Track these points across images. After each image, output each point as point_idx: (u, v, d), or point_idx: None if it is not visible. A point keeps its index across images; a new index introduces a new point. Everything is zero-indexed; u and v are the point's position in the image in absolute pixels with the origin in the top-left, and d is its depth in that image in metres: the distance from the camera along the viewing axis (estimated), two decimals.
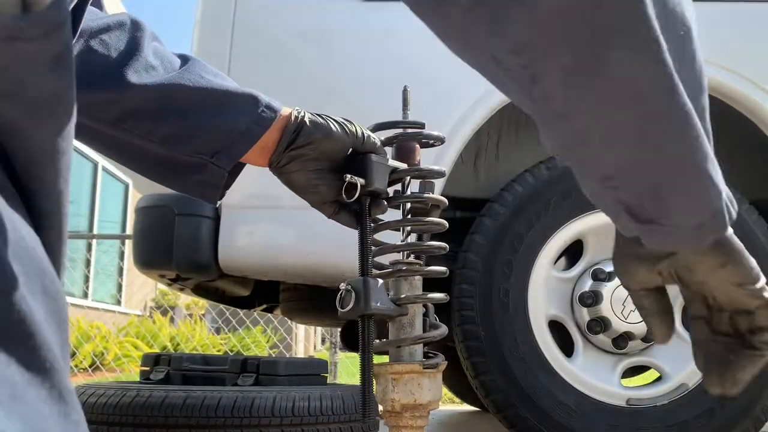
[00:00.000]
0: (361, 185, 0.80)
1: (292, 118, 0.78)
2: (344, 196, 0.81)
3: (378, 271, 0.84)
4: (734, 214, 0.48)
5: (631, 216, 0.48)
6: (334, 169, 0.82)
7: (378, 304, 0.77)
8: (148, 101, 0.71)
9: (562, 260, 1.72)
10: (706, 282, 0.53)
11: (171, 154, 0.75)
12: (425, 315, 0.85)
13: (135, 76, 0.71)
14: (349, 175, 0.80)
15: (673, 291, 0.58)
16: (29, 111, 0.41)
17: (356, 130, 0.80)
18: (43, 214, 0.44)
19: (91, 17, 0.70)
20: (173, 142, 0.74)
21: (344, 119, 0.81)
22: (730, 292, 0.52)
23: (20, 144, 0.41)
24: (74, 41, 0.59)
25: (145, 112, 0.72)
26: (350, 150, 0.81)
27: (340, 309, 0.78)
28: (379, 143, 0.83)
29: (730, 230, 0.49)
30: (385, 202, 0.86)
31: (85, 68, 0.66)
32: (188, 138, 0.74)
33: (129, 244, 5.20)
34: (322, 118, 0.80)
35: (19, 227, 0.40)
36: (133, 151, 0.75)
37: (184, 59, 0.76)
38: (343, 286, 0.79)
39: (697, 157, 0.45)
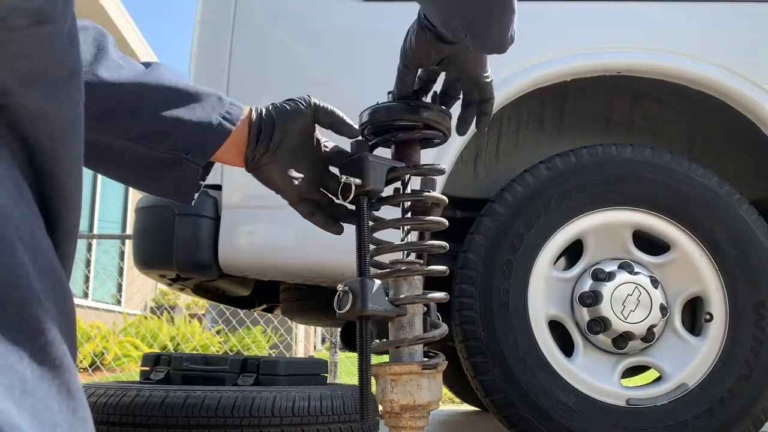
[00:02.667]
0: (356, 185, 0.80)
1: (253, 113, 0.81)
2: (340, 197, 0.81)
3: (377, 271, 0.84)
4: (514, 36, 0.75)
5: (465, 27, 0.70)
6: (310, 162, 0.84)
7: (375, 305, 0.77)
8: (122, 99, 0.73)
9: (562, 260, 1.72)
10: (469, 71, 0.82)
11: (148, 152, 0.76)
12: (426, 314, 0.85)
13: (106, 73, 0.73)
14: (344, 176, 0.80)
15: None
16: (51, 94, 0.41)
17: (310, 100, 0.84)
18: (65, 196, 0.44)
19: None
20: (150, 139, 0.75)
21: (297, 97, 0.84)
22: (477, 77, 0.83)
23: (45, 129, 0.42)
24: None
25: (120, 110, 0.74)
26: (313, 127, 0.84)
27: (337, 310, 0.78)
28: (339, 114, 0.85)
29: None
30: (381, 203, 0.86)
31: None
32: (163, 135, 0.75)
33: (129, 244, 5.20)
34: (277, 104, 0.83)
35: (35, 228, 0.40)
36: (110, 153, 0.77)
37: (147, 64, 0.78)
38: (340, 287, 0.79)
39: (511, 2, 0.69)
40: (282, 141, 0.82)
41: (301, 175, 0.84)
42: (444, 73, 0.85)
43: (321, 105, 0.85)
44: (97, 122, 0.73)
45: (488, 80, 0.84)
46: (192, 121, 0.76)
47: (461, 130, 0.90)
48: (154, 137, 0.76)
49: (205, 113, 0.77)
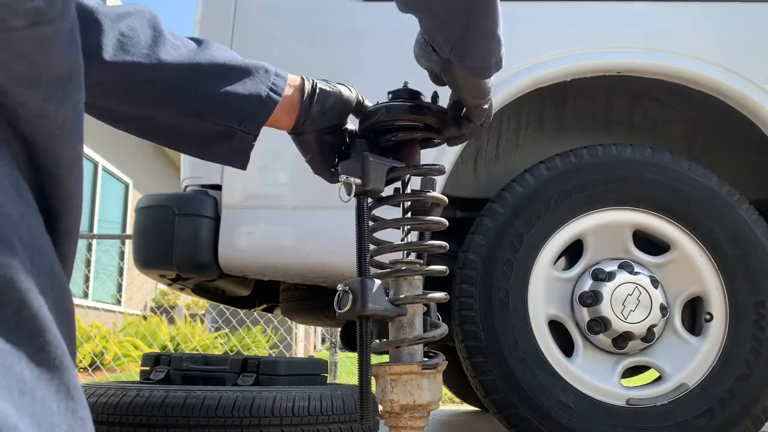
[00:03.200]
0: (356, 185, 0.80)
1: (306, 83, 0.88)
2: (340, 196, 0.82)
3: (378, 271, 0.84)
4: (502, 63, 0.79)
5: (452, 51, 0.76)
6: (334, 138, 0.90)
7: (375, 305, 0.77)
8: (180, 77, 0.79)
9: (562, 260, 1.72)
10: (458, 89, 0.86)
11: (204, 126, 0.83)
12: (426, 314, 0.85)
13: (166, 54, 0.78)
14: (344, 176, 0.81)
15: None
16: (50, 94, 0.41)
17: (355, 94, 0.92)
18: (65, 196, 0.45)
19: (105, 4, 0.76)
20: (205, 114, 0.82)
21: (344, 85, 0.92)
22: (465, 99, 0.87)
23: (44, 128, 0.42)
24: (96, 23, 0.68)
25: (179, 89, 0.80)
26: (349, 113, 0.91)
27: (337, 310, 0.78)
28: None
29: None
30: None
31: (119, 50, 0.74)
32: (217, 109, 0.82)
33: (129, 244, 5.20)
34: (333, 84, 0.90)
35: (34, 228, 0.40)
36: (168, 128, 0.84)
37: (197, 41, 0.84)
38: (340, 287, 0.79)
39: (493, 23, 0.72)
40: (326, 116, 0.88)
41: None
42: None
43: (363, 101, 0.92)
44: (157, 102, 0.79)
45: (477, 105, 0.87)
46: (242, 94, 0.82)
47: (450, 142, 0.96)
48: (209, 112, 0.81)
49: (255, 86, 0.83)
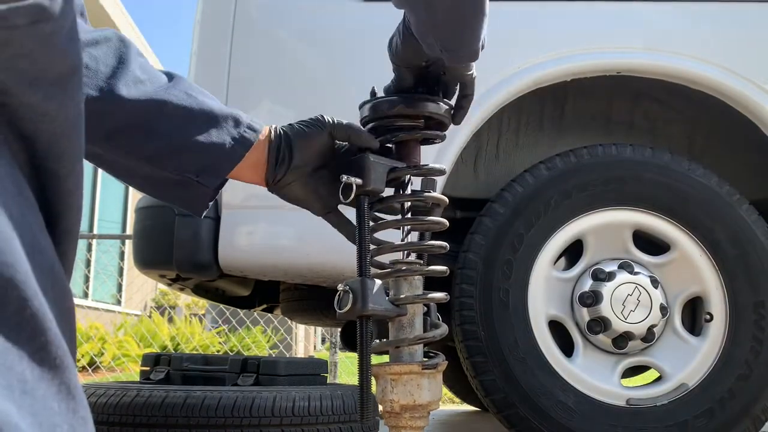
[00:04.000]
0: (357, 185, 0.80)
1: (272, 133, 0.82)
2: (340, 197, 0.81)
3: (378, 271, 0.84)
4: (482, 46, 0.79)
5: (444, 47, 0.75)
6: (331, 171, 0.84)
7: (376, 305, 0.77)
8: (136, 116, 0.73)
9: (562, 260, 1.72)
10: (452, 70, 0.82)
11: (157, 172, 0.76)
12: (426, 314, 0.85)
13: (125, 89, 0.72)
14: (345, 176, 0.81)
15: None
16: (51, 93, 0.41)
17: (326, 119, 0.84)
18: (66, 195, 0.45)
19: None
20: (158, 160, 0.76)
21: (312, 118, 0.84)
22: (461, 75, 0.84)
23: (45, 127, 0.42)
24: None
25: (132, 128, 0.73)
26: (333, 143, 0.85)
27: (338, 310, 0.78)
28: (355, 128, 0.85)
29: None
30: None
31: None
32: (172, 156, 0.76)
33: (129, 244, 5.20)
34: (294, 125, 0.83)
35: (34, 227, 0.40)
36: (121, 167, 0.78)
37: (170, 76, 0.77)
38: (340, 287, 0.79)
39: (480, 16, 0.72)
40: (301, 161, 0.82)
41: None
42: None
43: (337, 122, 0.84)
44: (105, 140, 0.74)
45: (471, 76, 0.85)
46: (203, 143, 0.76)
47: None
48: (162, 159, 0.76)
49: (219, 136, 0.77)
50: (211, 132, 0.76)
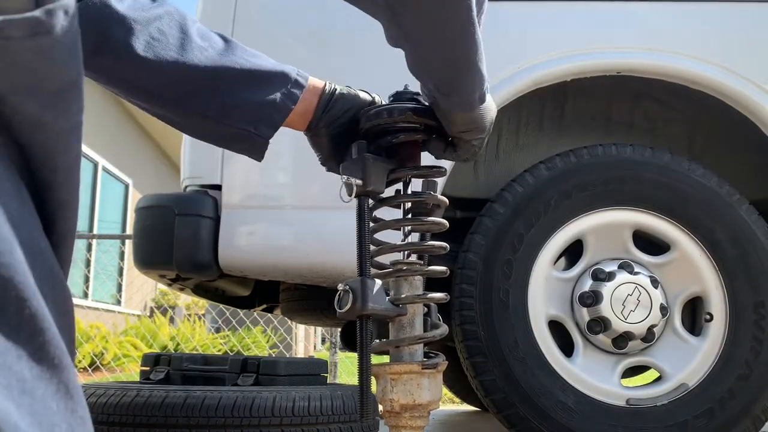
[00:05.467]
0: (357, 186, 0.81)
1: (327, 87, 0.92)
2: (341, 196, 0.82)
3: (378, 271, 0.84)
4: (486, 95, 0.82)
5: (437, 88, 0.79)
6: (353, 136, 0.92)
7: (375, 305, 0.77)
8: (202, 80, 0.84)
9: (562, 260, 1.72)
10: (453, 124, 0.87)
11: (221, 127, 0.88)
12: (427, 315, 0.85)
13: (190, 56, 0.83)
14: (345, 176, 0.81)
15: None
16: (50, 104, 0.42)
17: (367, 100, 0.94)
18: (60, 205, 0.45)
19: (137, 6, 0.81)
20: (220, 117, 0.87)
21: (364, 93, 0.94)
22: (453, 133, 0.89)
23: (40, 137, 0.42)
24: (132, 28, 0.76)
25: (198, 91, 0.85)
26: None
27: (337, 309, 0.79)
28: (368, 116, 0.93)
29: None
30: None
31: (148, 51, 0.79)
32: (232, 113, 0.87)
33: (129, 244, 5.20)
34: (351, 90, 0.94)
35: (33, 229, 0.40)
36: (187, 124, 0.90)
37: (225, 39, 0.88)
38: (341, 286, 0.79)
39: (477, 59, 0.73)
40: (339, 119, 0.92)
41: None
42: None
43: (366, 110, 0.93)
44: (175, 103, 0.85)
45: (461, 137, 0.89)
46: (257, 100, 0.87)
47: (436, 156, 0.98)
48: (225, 116, 0.86)
49: (271, 92, 0.87)
50: (263, 89, 0.87)
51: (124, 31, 0.78)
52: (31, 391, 0.35)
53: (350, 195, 0.82)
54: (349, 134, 0.93)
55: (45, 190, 0.44)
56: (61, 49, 0.41)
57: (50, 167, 0.43)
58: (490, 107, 0.88)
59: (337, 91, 0.92)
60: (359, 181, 0.81)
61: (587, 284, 1.64)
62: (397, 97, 0.89)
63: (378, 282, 0.79)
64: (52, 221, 0.44)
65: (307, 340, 8.38)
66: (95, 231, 8.67)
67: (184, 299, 9.13)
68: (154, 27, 0.81)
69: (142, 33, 0.79)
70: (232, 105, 0.86)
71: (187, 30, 0.84)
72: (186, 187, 1.75)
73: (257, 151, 0.92)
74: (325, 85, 0.92)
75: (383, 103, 0.92)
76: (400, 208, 0.91)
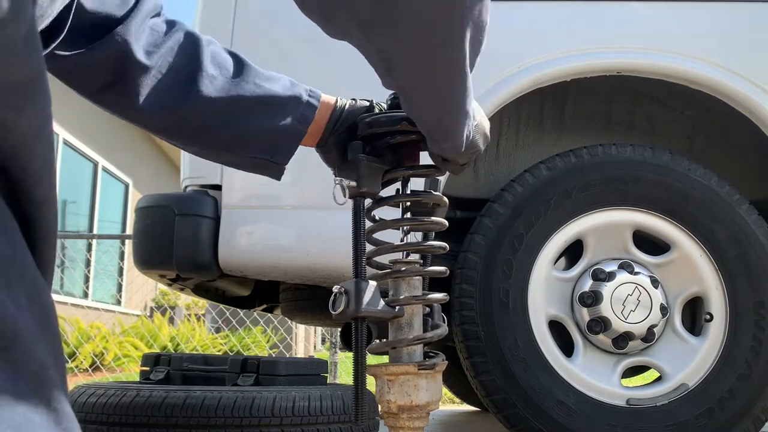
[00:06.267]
0: (350, 187, 0.81)
1: (338, 103, 0.92)
2: (335, 198, 0.82)
3: (376, 272, 0.84)
4: (472, 134, 0.82)
5: (429, 137, 0.80)
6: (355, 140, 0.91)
7: (369, 307, 0.77)
8: (213, 115, 0.84)
9: (562, 260, 1.72)
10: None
11: (236, 157, 0.89)
12: (429, 315, 0.85)
13: (202, 89, 0.82)
14: (339, 178, 0.81)
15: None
16: (7, 102, 0.39)
17: (383, 107, 0.93)
18: (36, 203, 0.43)
19: (152, 41, 0.80)
20: (237, 147, 0.87)
21: (370, 103, 0.94)
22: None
23: (4, 136, 0.40)
24: (143, 59, 0.76)
25: (209, 126, 0.84)
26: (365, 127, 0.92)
27: (332, 311, 0.79)
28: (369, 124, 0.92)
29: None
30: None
31: (158, 105, 0.80)
32: (246, 143, 0.87)
33: (129, 244, 5.19)
34: (356, 103, 0.94)
35: (9, 232, 0.39)
36: (203, 155, 0.90)
37: (237, 61, 0.87)
38: (335, 288, 0.79)
39: (465, 103, 0.72)
40: (345, 133, 0.91)
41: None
42: None
43: (368, 119, 0.92)
44: (188, 140, 0.86)
45: (452, 158, 0.87)
46: (271, 128, 0.86)
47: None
48: (240, 145, 0.87)
49: (283, 118, 0.87)
50: (278, 116, 0.87)
51: (137, 76, 0.78)
52: (12, 404, 0.34)
53: (345, 197, 0.82)
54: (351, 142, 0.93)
55: (19, 190, 0.42)
56: (16, 42, 0.39)
57: (20, 168, 0.41)
58: (481, 127, 0.86)
59: (346, 107, 0.92)
60: (353, 183, 0.81)
61: (587, 284, 1.64)
62: (396, 98, 0.89)
63: (373, 284, 0.79)
64: (32, 219, 0.43)
65: (307, 340, 8.38)
66: (95, 231, 8.66)
67: (184, 299, 9.13)
68: (164, 62, 0.80)
69: (152, 79, 0.79)
70: (246, 136, 0.86)
71: (199, 58, 0.83)
72: (186, 187, 1.75)
73: (276, 174, 0.92)
74: (336, 102, 0.92)
75: (382, 105, 0.91)
76: (399, 207, 0.91)
